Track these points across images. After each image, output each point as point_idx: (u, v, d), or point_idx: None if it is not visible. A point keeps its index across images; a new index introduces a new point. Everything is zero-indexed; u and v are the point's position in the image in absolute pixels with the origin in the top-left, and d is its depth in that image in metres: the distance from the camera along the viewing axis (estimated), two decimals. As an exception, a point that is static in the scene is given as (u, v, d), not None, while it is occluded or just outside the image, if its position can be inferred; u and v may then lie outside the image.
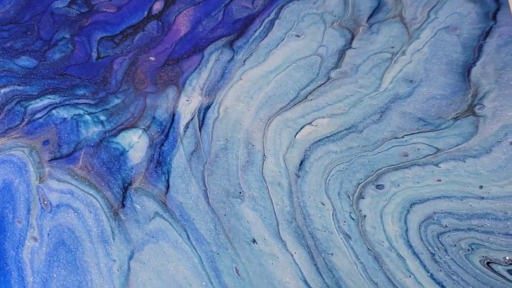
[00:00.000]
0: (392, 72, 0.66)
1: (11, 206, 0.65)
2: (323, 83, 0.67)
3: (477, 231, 0.58)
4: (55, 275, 0.61)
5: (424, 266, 0.56)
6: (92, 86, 0.70)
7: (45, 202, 0.65)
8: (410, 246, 0.58)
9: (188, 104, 0.67)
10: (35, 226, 0.64)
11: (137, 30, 0.71)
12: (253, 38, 0.70)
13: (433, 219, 0.59)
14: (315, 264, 0.58)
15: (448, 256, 0.56)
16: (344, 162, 0.62)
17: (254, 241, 0.60)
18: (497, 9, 0.68)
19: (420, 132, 0.63)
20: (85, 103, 0.69)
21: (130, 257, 0.61)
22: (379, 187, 0.61)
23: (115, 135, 0.67)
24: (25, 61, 0.73)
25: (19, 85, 0.71)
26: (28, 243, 0.63)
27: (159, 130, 0.66)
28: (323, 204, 0.61)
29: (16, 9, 0.74)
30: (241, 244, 0.60)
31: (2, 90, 0.71)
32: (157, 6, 0.72)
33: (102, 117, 0.68)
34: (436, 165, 0.61)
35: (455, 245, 0.57)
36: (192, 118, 0.66)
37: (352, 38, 0.69)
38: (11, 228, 0.64)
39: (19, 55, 0.73)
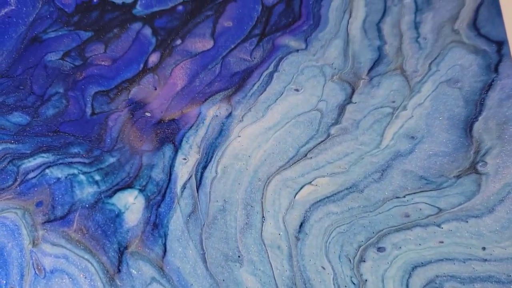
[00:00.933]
0: (393, 128, 0.65)
1: (3, 271, 0.64)
2: (323, 140, 0.65)
3: (480, 295, 0.57)
4: None
5: (427, 334, 0.55)
6: (87, 144, 0.69)
7: (39, 267, 0.63)
8: (413, 313, 0.57)
9: (185, 163, 0.66)
10: (29, 293, 0.63)
11: (133, 84, 0.70)
12: (251, 92, 0.68)
13: (436, 283, 0.58)
14: (316, 333, 0.57)
15: (451, 324, 0.56)
16: (345, 224, 0.61)
17: (253, 308, 0.59)
18: (499, 61, 0.67)
19: (422, 191, 0.62)
20: (79, 162, 0.68)
21: (127, 326, 0.60)
22: (381, 249, 0.60)
23: (111, 196, 0.65)
24: (17, 117, 0.71)
25: (11, 143, 0.70)
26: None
27: (156, 190, 0.65)
28: (324, 268, 0.60)
29: (8, 63, 0.72)
30: (240, 311, 0.59)
31: (-5, 149, 0.70)
32: (153, 59, 0.70)
33: (97, 177, 0.67)
34: (438, 225, 0.60)
35: (458, 312, 0.56)
36: (190, 178, 0.65)
37: (353, 92, 0.67)
38: (3, 296, 0.63)
39: (11, 111, 0.71)
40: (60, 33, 0.72)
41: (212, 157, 0.65)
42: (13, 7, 0.71)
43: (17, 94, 0.72)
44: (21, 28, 0.72)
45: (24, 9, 0.71)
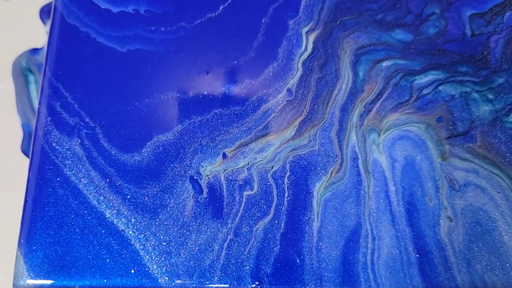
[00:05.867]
0: None
1: (418, 183, 0.62)
2: None
3: None
4: (477, 257, 0.58)
5: None
6: (473, 64, 0.68)
7: (452, 181, 0.63)
8: None
9: None
10: (447, 206, 0.61)
11: (505, 9, 0.70)
12: None
13: None
14: None
15: None
16: None
17: None
18: None
19: None
20: (469, 81, 0.67)
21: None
22: None
23: (507, 115, 0.65)
24: (400, 35, 0.69)
25: (399, 59, 0.68)
26: (443, 223, 0.61)
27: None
28: None
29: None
30: None
31: (384, 64, 0.68)
32: (518, -15, 0.70)
33: (490, 96, 0.66)
34: None
35: None
36: None
37: None
38: (423, 207, 0.61)
39: (392, 28, 0.70)
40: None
41: None
42: None
43: (394, 12, 0.70)
44: None
45: None
